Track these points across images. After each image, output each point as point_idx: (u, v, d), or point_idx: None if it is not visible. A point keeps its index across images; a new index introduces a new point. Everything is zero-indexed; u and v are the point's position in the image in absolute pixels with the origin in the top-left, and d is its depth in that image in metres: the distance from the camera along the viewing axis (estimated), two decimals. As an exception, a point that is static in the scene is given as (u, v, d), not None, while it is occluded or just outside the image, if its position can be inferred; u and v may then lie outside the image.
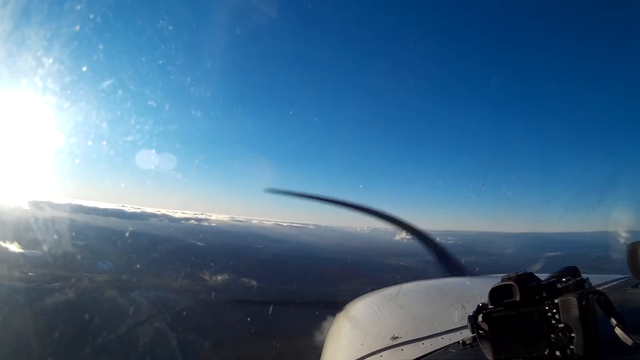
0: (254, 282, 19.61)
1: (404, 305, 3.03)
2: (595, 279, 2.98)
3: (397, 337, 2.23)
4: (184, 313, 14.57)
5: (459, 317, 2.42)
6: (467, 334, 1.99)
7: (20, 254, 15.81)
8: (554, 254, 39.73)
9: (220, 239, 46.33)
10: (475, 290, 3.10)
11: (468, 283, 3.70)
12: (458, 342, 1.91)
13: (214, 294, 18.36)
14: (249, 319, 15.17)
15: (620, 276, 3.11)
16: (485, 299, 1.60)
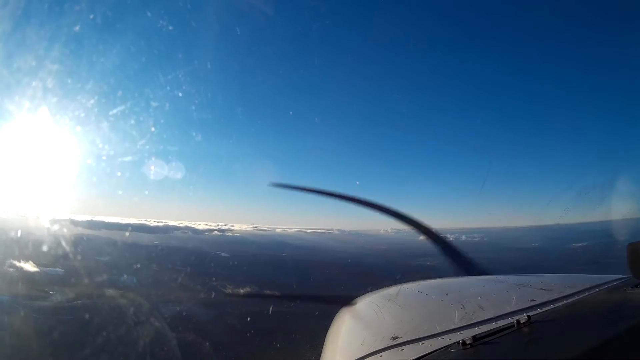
0: (277, 293, 19.38)
1: (404, 305, 3.03)
2: (595, 279, 3.08)
3: (397, 337, 2.20)
4: (213, 327, 14.48)
5: (459, 317, 2.40)
6: (467, 334, 2.01)
7: (41, 272, 16.06)
8: (580, 244, 38.82)
9: (244, 248, 46.56)
10: (475, 290, 3.08)
11: (468, 283, 3.71)
12: (458, 342, 1.88)
13: (239, 304, 18.25)
14: (249, 318, 15.10)
15: (620, 276, 3.10)
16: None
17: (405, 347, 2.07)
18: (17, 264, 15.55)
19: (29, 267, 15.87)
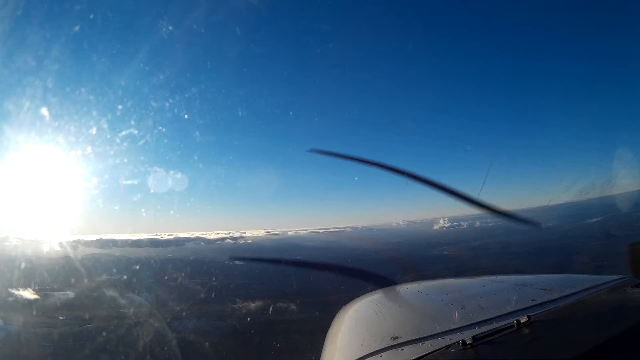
0: (293, 307, 19.15)
1: (404, 305, 3.07)
2: (595, 279, 3.07)
3: (397, 337, 2.19)
4: (235, 341, 14.39)
5: (459, 317, 2.40)
6: (467, 334, 2.02)
7: (50, 297, 15.97)
8: (594, 220, 38.62)
9: (259, 254, 46.61)
10: (475, 290, 3.10)
11: (468, 283, 3.73)
12: (458, 342, 1.87)
13: (259, 316, 18.13)
14: (249, 318, 14.97)
15: (620, 276, 3.07)
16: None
17: (405, 347, 2.05)
18: (26, 290, 15.48)
19: (38, 292, 15.78)
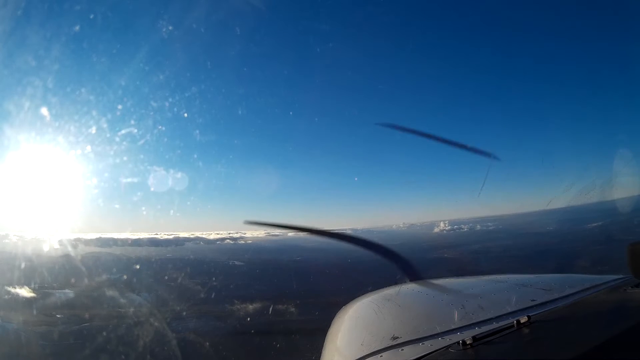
0: (292, 307, 19.03)
1: (404, 305, 3.07)
2: (595, 279, 3.08)
3: (397, 337, 2.21)
4: (235, 341, 14.32)
5: (459, 317, 2.41)
6: (467, 334, 2.03)
7: (49, 295, 15.93)
8: (595, 224, 38.59)
9: (258, 255, 46.55)
10: (475, 290, 3.12)
11: (468, 283, 3.77)
12: (458, 342, 1.88)
13: (259, 316, 18.06)
14: (249, 318, 14.89)
15: (620, 276, 3.09)
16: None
17: (405, 347, 2.07)
18: (24, 288, 15.45)
19: (37, 290, 15.70)
